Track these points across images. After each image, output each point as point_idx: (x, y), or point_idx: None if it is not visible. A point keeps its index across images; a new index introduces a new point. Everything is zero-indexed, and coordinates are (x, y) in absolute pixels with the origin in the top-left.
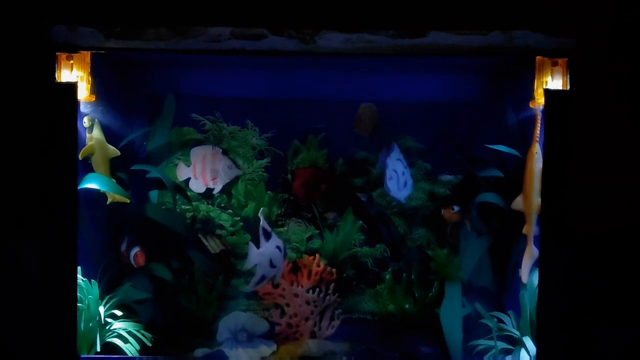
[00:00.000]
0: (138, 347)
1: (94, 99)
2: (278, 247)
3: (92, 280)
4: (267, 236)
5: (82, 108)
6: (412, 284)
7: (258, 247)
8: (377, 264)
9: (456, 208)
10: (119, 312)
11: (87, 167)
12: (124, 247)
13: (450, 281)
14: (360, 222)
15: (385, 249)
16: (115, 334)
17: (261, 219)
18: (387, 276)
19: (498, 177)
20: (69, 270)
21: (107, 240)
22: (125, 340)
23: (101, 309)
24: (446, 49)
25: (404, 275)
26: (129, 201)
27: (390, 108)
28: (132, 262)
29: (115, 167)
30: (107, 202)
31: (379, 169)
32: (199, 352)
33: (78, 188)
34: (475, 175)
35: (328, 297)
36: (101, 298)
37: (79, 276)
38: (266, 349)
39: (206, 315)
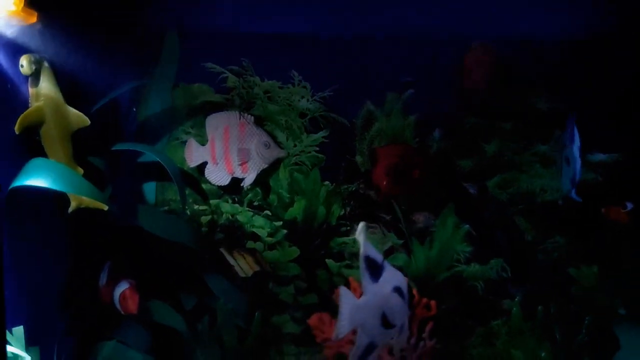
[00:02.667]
0: None
1: (34, 20)
2: (397, 290)
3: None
4: (376, 272)
5: (9, 34)
6: (551, 320)
7: (359, 294)
8: (492, 289)
9: (629, 206)
10: None
11: (32, 147)
12: (103, 280)
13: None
14: (467, 226)
15: (504, 266)
16: None
17: (361, 240)
18: (514, 308)
19: None
20: None
21: (72, 273)
22: None
23: None
24: None
25: (539, 307)
26: (106, 207)
27: (517, 49)
28: (118, 306)
29: (84, 147)
30: (70, 210)
31: (562, 156)
32: None
33: (10, 187)
34: None
35: (422, 343)
36: None
37: (13, 351)
38: None
39: None
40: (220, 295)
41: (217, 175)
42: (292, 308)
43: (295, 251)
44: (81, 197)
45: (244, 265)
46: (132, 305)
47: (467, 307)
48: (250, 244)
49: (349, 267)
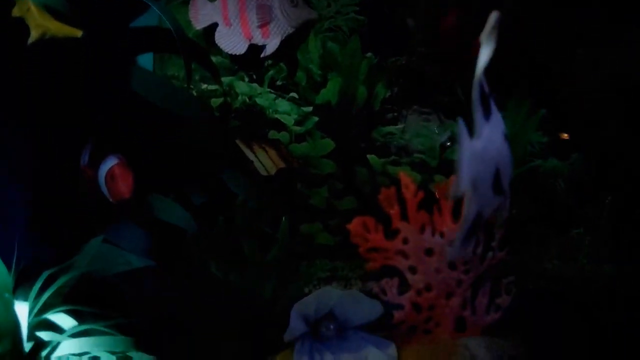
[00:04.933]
0: None
1: None
2: (507, 138)
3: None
4: (488, 108)
5: None
6: None
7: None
8: (574, 189)
9: None
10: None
11: None
12: (85, 158)
13: None
14: (544, 110)
15: (589, 161)
16: None
17: (488, 45)
18: (604, 213)
19: None
20: None
21: (40, 143)
22: None
23: (22, 314)
24: None
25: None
26: (80, 33)
27: None
28: (105, 189)
29: None
30: (30, 40)
31: None
32: None
33: None
34: None
35: (490, 253)
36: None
37: None
38: (377, 355)
39: (260, 293)
40: (238, 191)
41: (231, 41)
42: (326, 214)
43: (329, 144)
44: (45, 21)
45: (265, 161)
46: (124, 187)
47: (543, 213)
48: (273, 135)
49: (396, 163)
